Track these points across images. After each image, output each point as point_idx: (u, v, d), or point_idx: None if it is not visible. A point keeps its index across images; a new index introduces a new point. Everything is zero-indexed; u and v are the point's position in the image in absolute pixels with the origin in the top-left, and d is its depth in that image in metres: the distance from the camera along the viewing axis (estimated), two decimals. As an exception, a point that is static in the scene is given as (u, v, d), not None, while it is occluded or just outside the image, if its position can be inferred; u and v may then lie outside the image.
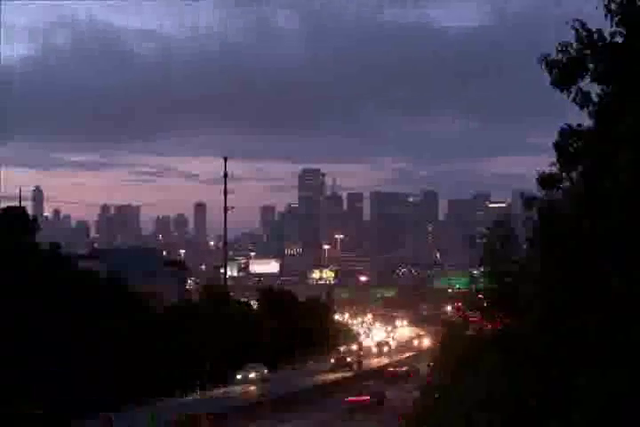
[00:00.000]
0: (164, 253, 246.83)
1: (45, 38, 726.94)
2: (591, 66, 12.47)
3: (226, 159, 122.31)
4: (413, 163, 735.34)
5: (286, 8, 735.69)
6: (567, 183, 13.96)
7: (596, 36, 12.39)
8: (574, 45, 12.49)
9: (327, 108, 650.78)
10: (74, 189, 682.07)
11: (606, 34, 12.50)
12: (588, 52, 12.44)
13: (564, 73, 12.50)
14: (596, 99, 12.88)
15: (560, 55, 12.49)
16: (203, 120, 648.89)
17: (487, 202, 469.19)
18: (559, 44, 12.57)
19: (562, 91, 12.66)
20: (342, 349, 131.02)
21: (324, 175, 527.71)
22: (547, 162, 14.31)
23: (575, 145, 13.37)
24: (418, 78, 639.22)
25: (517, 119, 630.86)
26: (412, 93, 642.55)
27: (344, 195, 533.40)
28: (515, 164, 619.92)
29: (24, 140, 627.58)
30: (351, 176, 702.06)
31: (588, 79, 12.72)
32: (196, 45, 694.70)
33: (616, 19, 12.31)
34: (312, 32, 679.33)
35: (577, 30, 12.41)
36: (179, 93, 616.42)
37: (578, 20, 12.36)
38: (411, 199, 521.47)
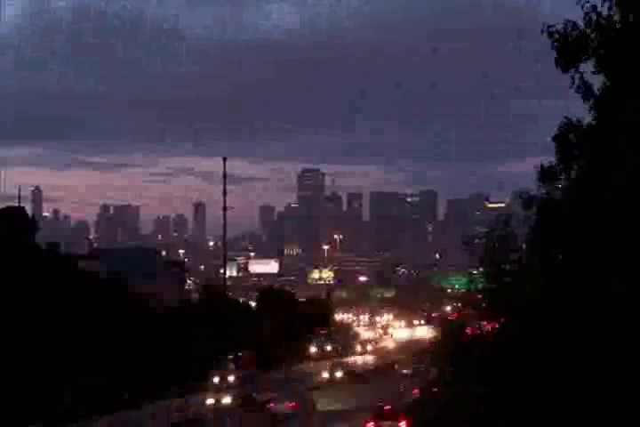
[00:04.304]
0: (164, 253, 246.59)
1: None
2: (594, 45, 12.49)
3: (225, 159, 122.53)
4: (415, 163, 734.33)
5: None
6: (566, 180, 14.02)
7: (604, 21, 12.42)
8: (581, 26, 12.53)
9: (329, 109, 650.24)
10: (88, 190, 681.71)
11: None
12: (593, 33, 12.46)
13: (568, 51, 12.51)
14: (597, 92, 12.93)
15: (566, 31, 12.50)
16: (214, 120, 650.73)
17: (486, 202, 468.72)
18: (567, 21, 12.60)
19: (565, 71, 12.69)
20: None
21: (323, 175, 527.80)
22: (546, 162, 14.39)
23: (575, 138, 13.41)
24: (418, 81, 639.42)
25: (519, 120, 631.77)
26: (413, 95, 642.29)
27: (344, 195, 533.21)
28: (515, 164, 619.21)
29: (38, 140, 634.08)
30: (351, 176, 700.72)
31: (589, 67, 12.77)
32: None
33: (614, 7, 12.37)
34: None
35: (587, 13, 12.44)
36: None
37: (588, 1, 12.41)
38: (409, 199, 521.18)
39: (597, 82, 12.92)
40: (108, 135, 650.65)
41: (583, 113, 13.34)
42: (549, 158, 14.18)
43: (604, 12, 12.42)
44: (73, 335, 66.69)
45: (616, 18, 12.38)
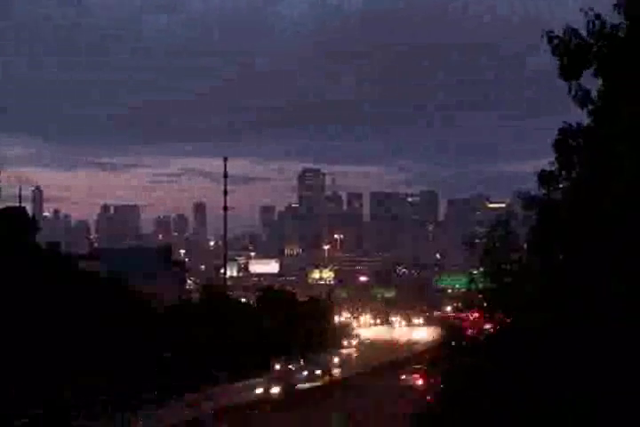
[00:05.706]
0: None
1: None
2: (595, 50, 12.50)
3: (226, 159, 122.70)
4: (415, 163, 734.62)
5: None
6: (566, 181, 14.02)
7: (608, 27, 12.44)
8: (583, 34, 12.55)
9: (331, 109, 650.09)
10: (96, 190, 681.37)
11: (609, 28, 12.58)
12: (596, 41, 12.47)
13: (571, 61, 12.52)
14: (595, 98, 12.94)
15: (568, 39, 12.52)
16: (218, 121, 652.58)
17: (487, 202, 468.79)
18: (568, 28, 12.62)
19: (567, 80, 12.70)
20: None
21: (324, 175, 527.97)
22: (546, 163, 14.41)
23: (574, 143, 13.43)
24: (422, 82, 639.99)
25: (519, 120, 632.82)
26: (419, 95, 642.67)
27: (344, 195, 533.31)
28: (515, 164, 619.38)
29: (49, 140, 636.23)
30: (352, 176, 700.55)
31: (590, 72, 12.77)
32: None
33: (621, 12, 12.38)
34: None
35: (589, 21, 12.46)
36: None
37: (591, 9, 12.43)
38: (410, 199, 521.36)
39: (594, 87, 12.94)
40: (118, 136, 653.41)
41: (582, 117, 13.36)
42: (550, 159, 14.18)
43: (607, 20, 12.44)
44: (73, 335, 66.67)
45: (622, 26, 12.39)
